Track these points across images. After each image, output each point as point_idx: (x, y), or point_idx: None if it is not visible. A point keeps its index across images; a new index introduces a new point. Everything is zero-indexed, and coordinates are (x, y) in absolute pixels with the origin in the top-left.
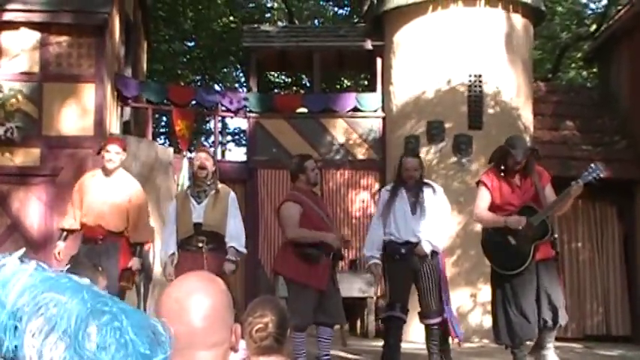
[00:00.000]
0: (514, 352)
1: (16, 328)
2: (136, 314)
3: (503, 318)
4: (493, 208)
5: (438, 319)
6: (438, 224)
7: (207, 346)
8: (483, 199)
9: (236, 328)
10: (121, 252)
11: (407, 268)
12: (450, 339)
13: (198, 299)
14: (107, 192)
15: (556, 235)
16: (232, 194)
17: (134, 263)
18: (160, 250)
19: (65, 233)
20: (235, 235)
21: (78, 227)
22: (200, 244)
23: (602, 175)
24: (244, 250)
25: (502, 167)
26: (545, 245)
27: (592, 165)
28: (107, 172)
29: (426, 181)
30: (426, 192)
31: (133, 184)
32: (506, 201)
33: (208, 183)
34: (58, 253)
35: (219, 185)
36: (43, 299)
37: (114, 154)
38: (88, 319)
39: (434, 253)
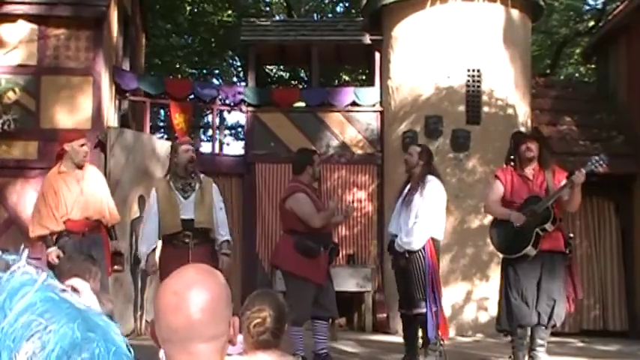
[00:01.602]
0: (512, 340)
1: (7, 345)
2: (121, 356)
3: (505, 302)
4: (504, 201)
5: (423, 310)
6: (414, 221)
7: (205, 338)
8: (495, 191)
9: (234, 321)
10: (105, 241)
11: (398, 265)
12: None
13: (196, 292)
14: (86, 184)
15: (572, 235)
16: (214, 185)
17: (116, 245)
18: (140, 244)
19: (50, 236)
20: (225, 227)
21: (62, 227)
22: (187, 240)
23: (604, 166)
24: (231, 241)
25: (514, 159)
26: (555, 237)
27: (596, 157)
28: (81, 166)
29: (429, 176)
30: (420, 187)
31: (96, 170)
32: (517, 195)
33: (193, 176)
34: (57, 257)
35: (202, 176)
36: (38, 324)
37: (87, 147)
38: (69, 352)
39: (411, 250)
